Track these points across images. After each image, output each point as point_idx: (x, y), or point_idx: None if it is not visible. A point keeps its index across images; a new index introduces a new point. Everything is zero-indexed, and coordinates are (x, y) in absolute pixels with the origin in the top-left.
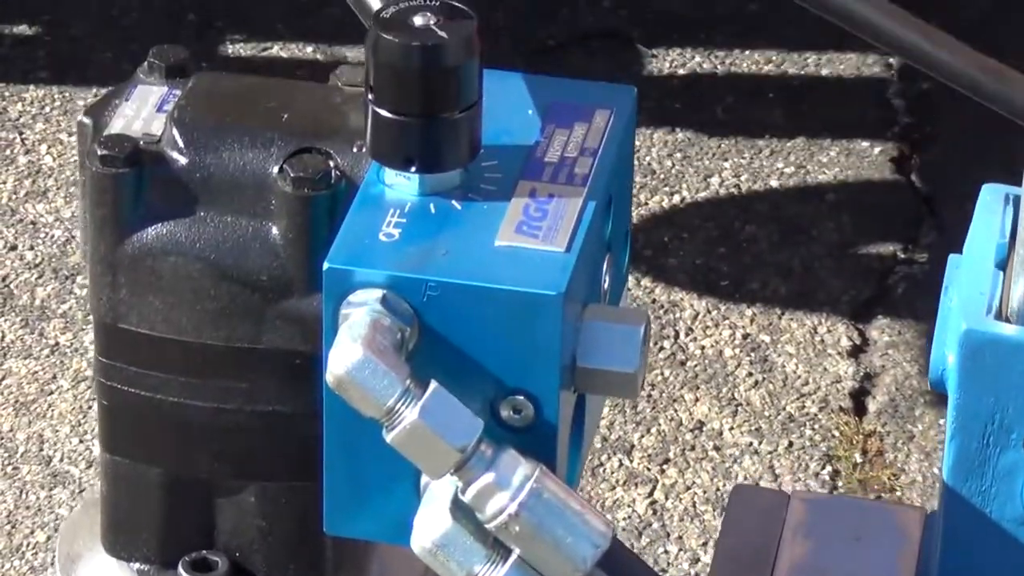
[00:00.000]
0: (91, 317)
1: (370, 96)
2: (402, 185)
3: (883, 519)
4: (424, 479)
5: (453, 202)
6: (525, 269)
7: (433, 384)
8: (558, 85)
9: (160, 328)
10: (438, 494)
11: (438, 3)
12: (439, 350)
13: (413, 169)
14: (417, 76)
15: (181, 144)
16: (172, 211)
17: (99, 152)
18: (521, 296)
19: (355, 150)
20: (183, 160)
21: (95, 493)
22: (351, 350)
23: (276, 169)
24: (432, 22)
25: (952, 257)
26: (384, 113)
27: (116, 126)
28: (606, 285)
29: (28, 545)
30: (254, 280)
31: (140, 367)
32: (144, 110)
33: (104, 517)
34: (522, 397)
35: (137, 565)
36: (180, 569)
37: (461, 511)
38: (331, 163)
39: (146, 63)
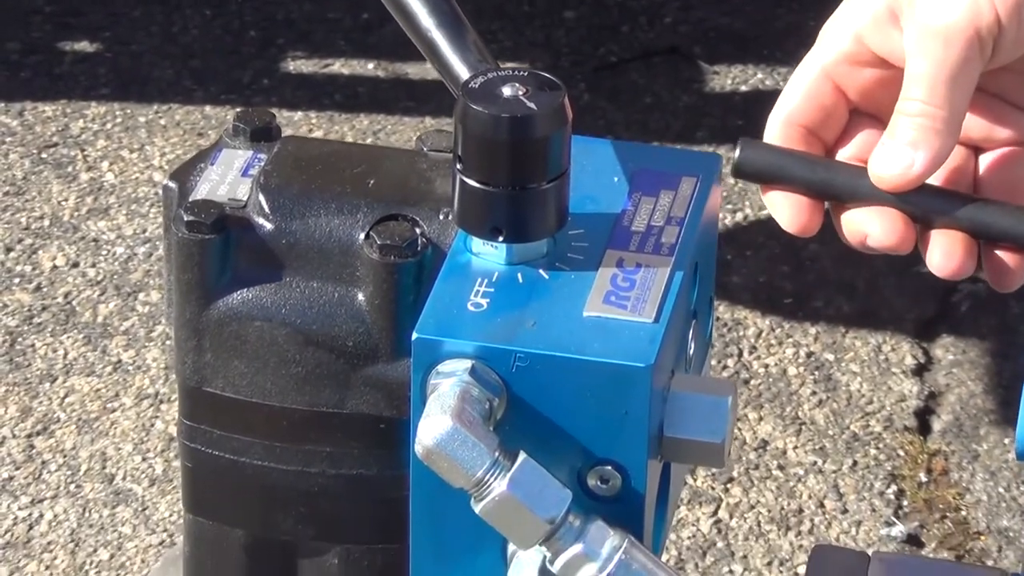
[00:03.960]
0: (175, 380)
1: (458, 166)
2: (489, 254)
3: None
4: (511, 547)
5: (541, 271)
6: (614, 340)
7: (522, 455)
8: (644, 152)
9: (245, 392)
10: (526, 563)
11: (527, 73)
12: (527, 420)
13: (501, 239)
14: (506, 147)
15: (267, 210)
16: (258, 276)
17: (185, 218)
18: (611, 368)
19: (442, 217)
20: (269, 226)
21: (175, 551)
22: (440, 422)
23: (362, 236)
24: (521, 92)
25: None
26: (472, 183)
27: (202, 191)
28: (691, 352)
29: (91, 563)
30: (339, 346)
31: (224, 430)
32: (229, 174)
33: None
34: (610, 467)
35: None
36: None
37: None
38: (417, 230)
39: (231, 126)
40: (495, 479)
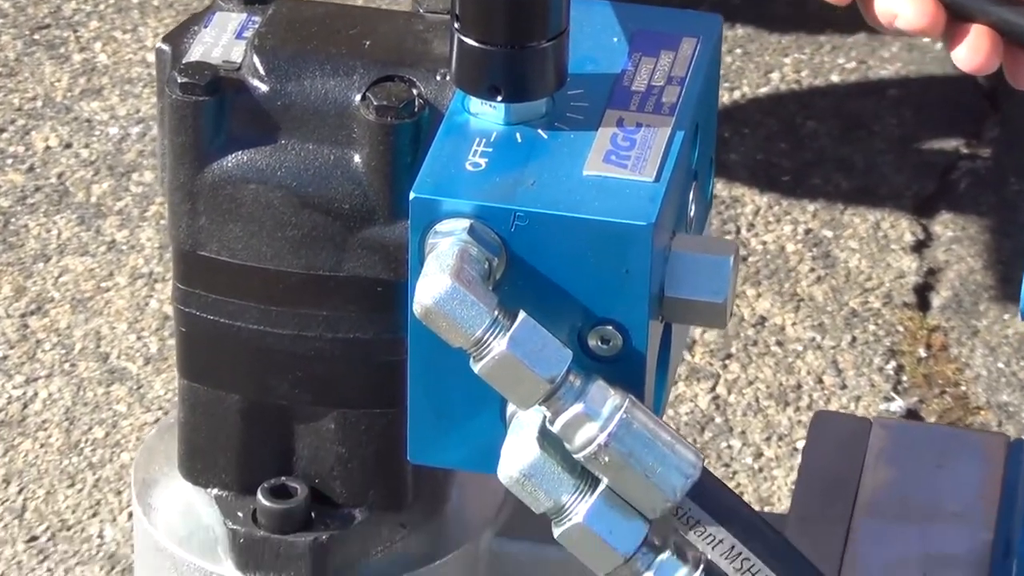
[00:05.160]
0: (170, 244)
1: (455, 24)
2: (487, 114)
3: (966, 446)
4: (510, 408)
5: (540, 131)
6: (614, 199)
7: (522, 314)
8: (644, 13)
9: (240, 256)
10: (525, 423)
11: None
12: (527, 280)
13: (499, 98)
14: (505, 5)
15: (262, 71)
16: (252, 139)
17: (179, 80)
18: (611, 226)
19: (439, 78)
20: (264, 87)
21: (169, 419)
22: (439, 281)
23: (359, 97)
24: None
25: None
26: (470, 42)
27: (195, 53)
28: (692, 213)
29: (86, 441)
30: (336, 208)
31: (219, 294)
32: (223, 37)
33: (181, 443)
34: (611, 327)
35: (215, 491)
36: (259, 496)
37: (549, 441)
38: (414, 91)
39: None
40: (494, 338)
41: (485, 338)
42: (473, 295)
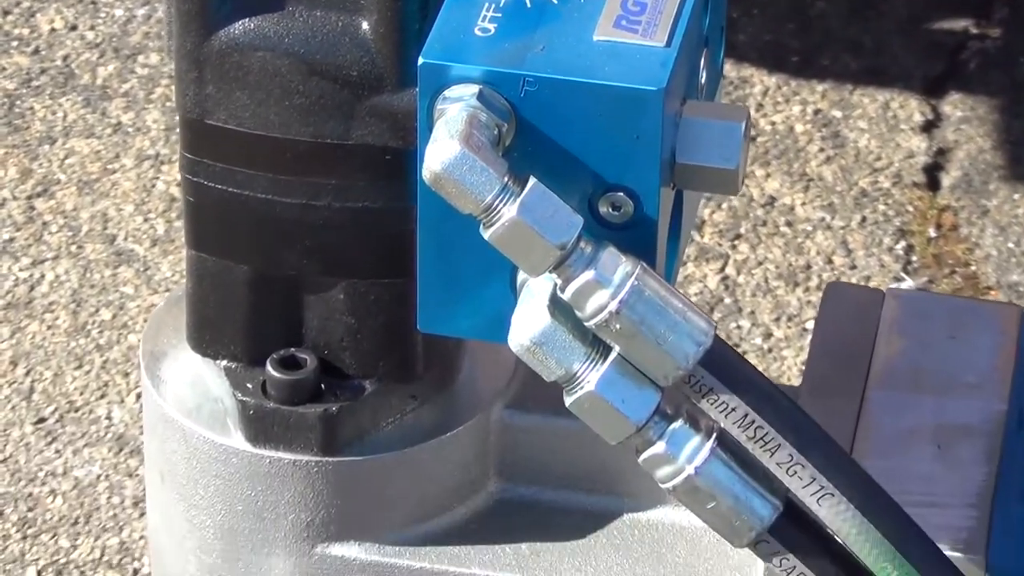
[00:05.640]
0: (176, 114)
1: None
2: None
3: (979, 317)
4: (521, 276)
5: None
6: (625, 64)
7: (532, 180)
8: None
9: (248, 124)
10: (536, 291)
11: None
12: (536, 147)
13: None
14: None
15: None
16: (259, 5)
17: None
18: (622, 91)
19: None
20: None
21: (178, 291)
22: (448, 146)
23: None
24: None
25: None
26: None
27: None
28: (703, 80)
29: (93, 323)
30: (344, 75)
31: (227, 163)
32: None
33: (189, 315)
34: (621, 193)
35: (224, 363)
36: (268, 367)
37: (560, 309)
38: None
39: None
40: (504, 204)
41: (495, 204)
42: (483, 160)
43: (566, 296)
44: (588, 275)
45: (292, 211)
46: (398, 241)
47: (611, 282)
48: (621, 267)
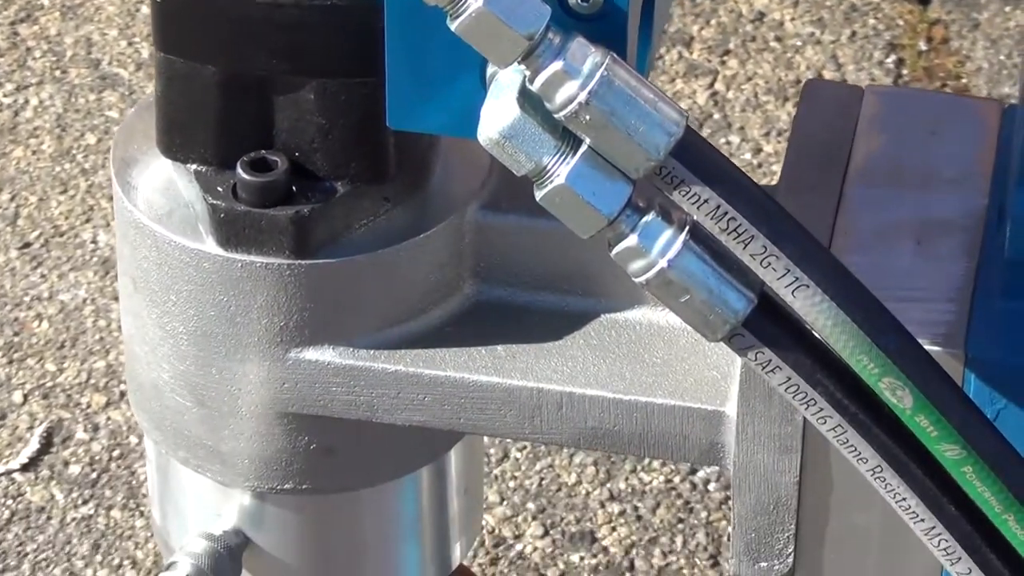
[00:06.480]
0: None
1: None
2: None
3: (960, 112)
4: (491, 69)
5: None
6: None
7: None
8: None
9: None
10: (505, 84)
11: None
12: None
13: None
14: None
15: None
16: None
17: None
18: None
19: None
20: None
21: (149, 98)
22: None
23: None
24: None
25: None
26: None
27: None
28: None
29: (78, 147)
30: None
31: None
32: None
33: (159, 119)
34: None
35: (194, 167)
36: (239, 169)
37: (529, 101)
38: None
39: None
40: None
41: None
42: None
43: (535, 87)
44: (557, 66)
45: (260, 9)
46: (368, 38)
47: (580, 72)
48: (591, 57)
